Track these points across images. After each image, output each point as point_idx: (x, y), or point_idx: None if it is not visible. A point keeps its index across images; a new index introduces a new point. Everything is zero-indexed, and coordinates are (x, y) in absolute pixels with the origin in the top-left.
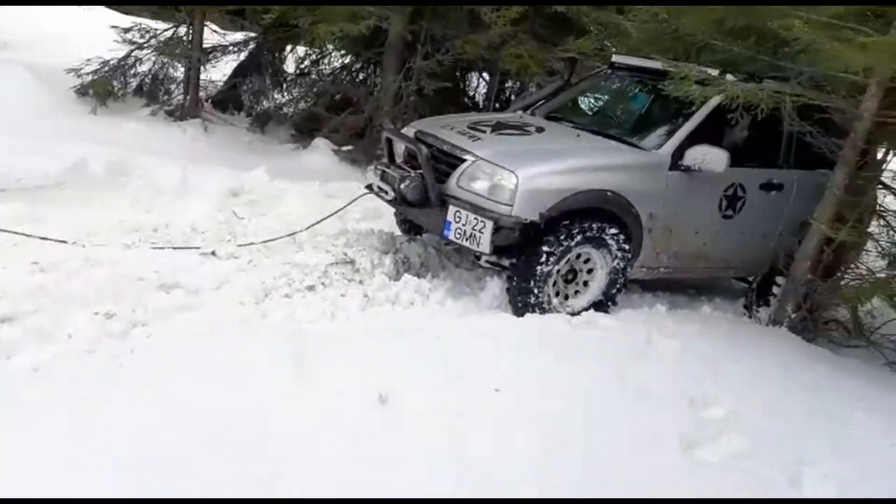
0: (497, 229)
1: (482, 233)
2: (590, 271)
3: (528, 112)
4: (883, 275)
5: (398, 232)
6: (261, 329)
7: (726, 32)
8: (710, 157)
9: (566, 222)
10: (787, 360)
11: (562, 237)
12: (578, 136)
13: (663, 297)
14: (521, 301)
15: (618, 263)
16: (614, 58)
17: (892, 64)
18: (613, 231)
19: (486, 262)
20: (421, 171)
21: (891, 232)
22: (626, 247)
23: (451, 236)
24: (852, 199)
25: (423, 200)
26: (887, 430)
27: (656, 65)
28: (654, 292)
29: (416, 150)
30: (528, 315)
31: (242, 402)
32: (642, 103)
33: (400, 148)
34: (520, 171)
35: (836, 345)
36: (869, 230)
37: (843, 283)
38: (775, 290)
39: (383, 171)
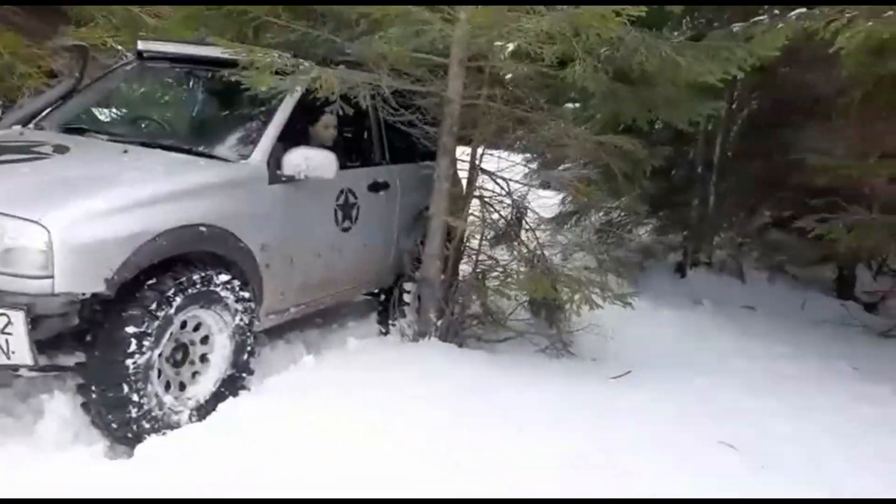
0: (34, 321)
1: (10, 334)
2: (206, 340)
3: (32, 126)
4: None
5: None
6: None
7: (290, 9)
8: (315, 161)
9: (153, 281)
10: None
11: (153, 306)
12: (126, 152)
13: (296, 340)
14: (116, 420)
15: (241, 319)
16: (141, 45)
17: (469, 40)
18: (224, 278)
19: (35, 371)
20: None
21: (496, 216)
22: (246, 294)
23: None
24: (460, 190)
25: None
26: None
27: (210, 51)
28: (282, 337)
29: None
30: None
31: None
32: (201, 102)
33: None
34: (49, 217)
35: (486, 342)
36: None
37: (478, 275)
38: (407, 297)
39: None
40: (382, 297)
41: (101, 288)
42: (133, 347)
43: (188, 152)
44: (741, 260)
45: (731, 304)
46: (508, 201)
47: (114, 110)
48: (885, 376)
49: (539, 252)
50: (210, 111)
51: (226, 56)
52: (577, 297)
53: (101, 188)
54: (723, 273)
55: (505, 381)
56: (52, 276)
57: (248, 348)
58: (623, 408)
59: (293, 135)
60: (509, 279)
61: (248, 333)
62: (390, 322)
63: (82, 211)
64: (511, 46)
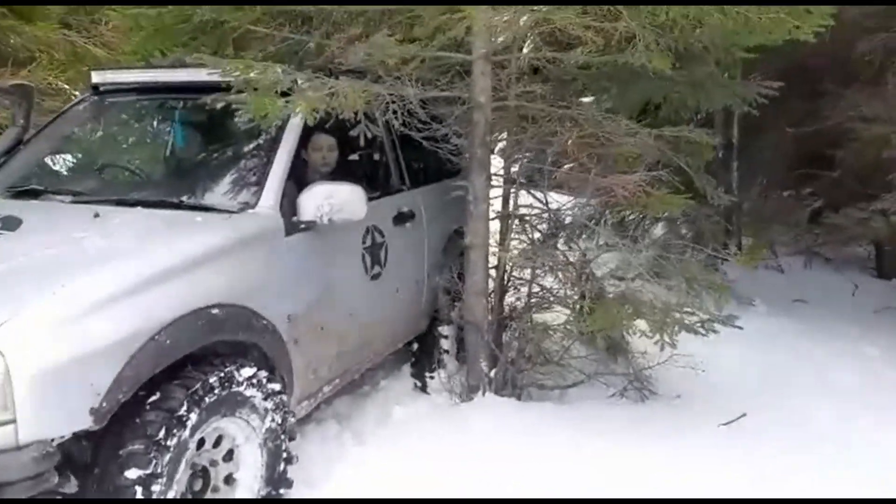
0: None
1: None
2: (230, 456)
3: None
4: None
5: None
6: None
7: (271, 14)
8: (340, 199)
9: (156, 397)
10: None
11: (160, 434)
12: (97, 216)
13: (327, 418)
14: None
15: (272, 420)
16: (96, 76)
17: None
18: (248, 373)
19: None
20: None
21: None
22: (276, 386)
23: None
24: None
25: None
26: None
27: (185, 75)
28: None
29: None
30: None
31: None
32: (181, 139)
33: None
34: (2, 332)
35: (550, 388)
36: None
37: (530, 309)
38: (444, 343)
39: None
40: (416, 345)
41: (85, 423)
42: (140, 494)
43: (177, 206)
44: (776, 248)
45: (780, 300)
46: (545, 216)
47: (72, 161)
48: None
49: (587, 272)
50: (194, 149)
51: (207, 79)
52: (668, 326)
53: (73, 277)
54: (758, 264)
55: (592, 452)
56: (12, 421)
57: (284, 454)
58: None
59: (302, 169)
60: (575, 314)
61: (283, 435)
62: (427, 375)
63: (50, 316)
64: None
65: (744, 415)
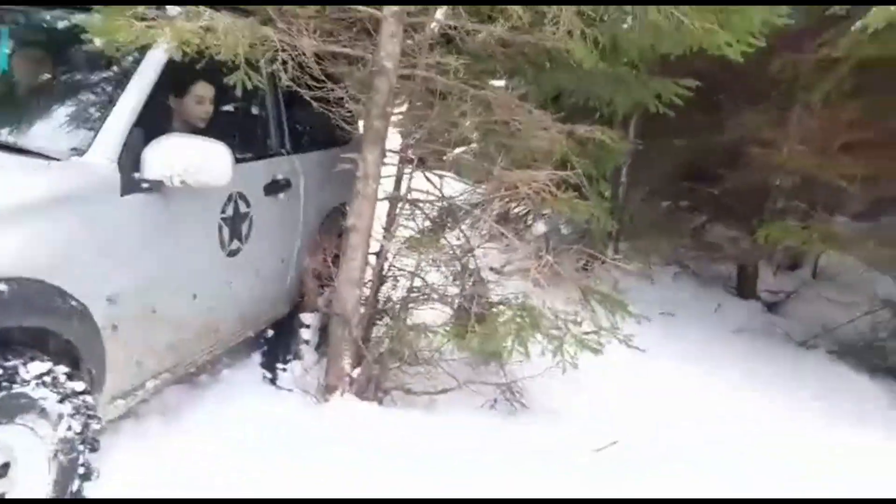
0: None
1: None
2: (3, 472)
3: None
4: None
5: None
6: None
7: None
8: (197, 157)
9: None
10: None
11: None
12: None
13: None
14: None
15: (68, 427)
16: None
17: None
18: (39, 369)
19: None
20: None
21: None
22: (77, 386)
23: None
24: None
25: None
26: None
27: None
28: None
29: None
30: None
31: None
32: (6, 63)
33: None
34: None
35: (417, 394)
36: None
37: (406, 305)
38: (305, 333)
39: None
40: (270, 332)
41: None
42: None
43: None
44: (649, 258)
45: (647, 310)
46: (437, 204)
47: None
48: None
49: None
50: (21, 78)
51: None
52: (568, 346)
53: None
54: (630, 273)
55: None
56: None
57: (81, 469)
58: None
59: (157, 117)
60: (456, 318)
61: (82, 446)
62: (279, 367)
63: None
64: None
65: (615, 442)
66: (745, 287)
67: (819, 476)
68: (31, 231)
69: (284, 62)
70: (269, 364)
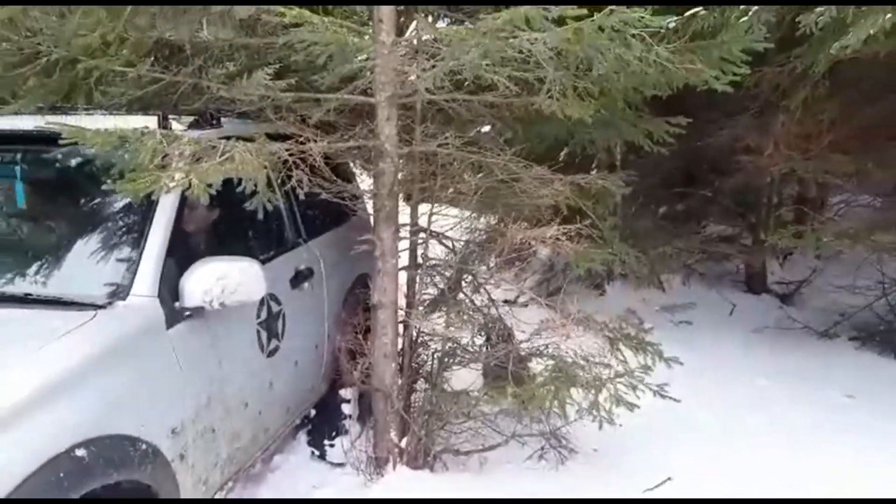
0: None
1: None
2: None
3: None
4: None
5: None
6: None
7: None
8: (234, 278)
9: None
10: None
11: None
12: None
13: None
14: None
15: None
16: None
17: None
18: None
19: None
20: None
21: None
22: None
23: None
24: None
25: None
26: None
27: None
28: None
29: None
30: None
31: None
32: (26, 204)
33: None
34: None
35: (467, 455)
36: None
37: (441, 370)
38: (346, 408)
39: None
40: (313, 412)
41: None
42: None
43: (20, 301)
44: (656, 266)
45: (664, 321)
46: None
47: None
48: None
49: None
50: (41, 216)
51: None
52: (603, 402)
53: None
54: (640, 282)
55: None
56: None
57: None
58: None
59: (185, 242)
60: (498, 386)
61: None
62: (326, 443)
63: None
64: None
65: (669, 479)
66: (755, 281)
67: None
68: (96, 388)
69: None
70: (316, 442)
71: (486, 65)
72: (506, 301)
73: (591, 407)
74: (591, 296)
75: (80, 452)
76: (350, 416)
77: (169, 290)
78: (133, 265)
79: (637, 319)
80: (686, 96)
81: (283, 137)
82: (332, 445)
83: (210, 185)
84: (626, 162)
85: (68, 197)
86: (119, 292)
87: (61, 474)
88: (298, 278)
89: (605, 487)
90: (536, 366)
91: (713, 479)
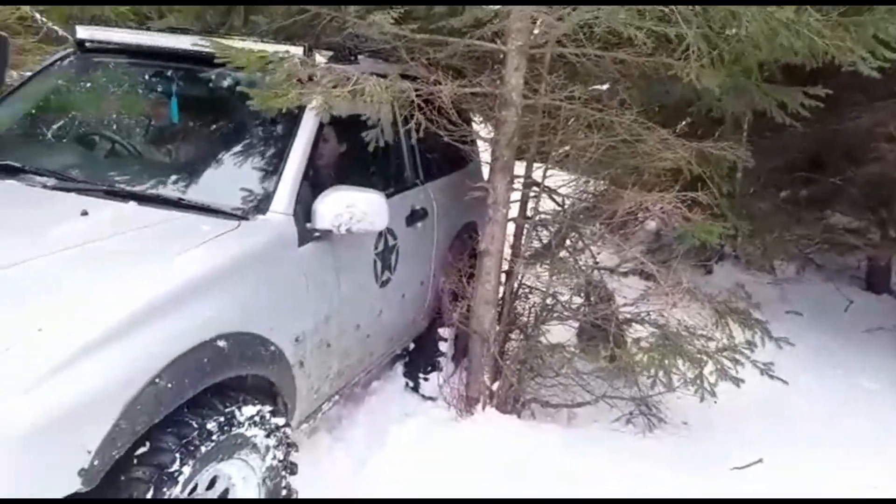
0: None
1: None
2: (224, 494)
3: None
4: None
5: None
6: None
7: None
8: (361, 208)
9: (144, 450)
10: None
11: (148, 492)
12: (86, 213)
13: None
14: None
15: (274, 457)
16: (83, 32)
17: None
18: (250, 412)
19: None
20: None
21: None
22: (280, 421)
23: None
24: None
25: None
26: None
27: (187, 43)
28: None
29: None
30: None
31: None
32: (181, 119)
33: None
34: None
35: (555, 408)
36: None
37: (542, 321)
38: (442, 346)
39: None
40: (412, 345)
41: (73, 487)
42: None
43: (177, 205)
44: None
45: (773, 309)
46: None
47: (55, 130)
48: None
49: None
50: (193, 130)
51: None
52: (708, 375)
53: (56, 313)
54: (750, 266)
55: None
56: None
57: (283, 492)
58: None
59: (318, 167)
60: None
61: (284, 470)
62: (421, 376)
63: (26, 367)
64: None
65: (760, 460)
66: (876, 280)
67: None
68: (240, 289)
69: (424, 115)
70: (411, 374)
71: (625, 14)
72: (605, 268)
73: (695, 378)
74: (696, 274)
75: (221, 343)
76: (445, 355)
77: (303, 210)
78: (273, 184)
79: (745, 294)
80: (827, 72)
81: (412, 79)
82: (426, 379)
83: (333, 109)
84: (751, 140)
85: (218, 115)
86: (260, 207)
87: (205, 359)
88: (414, 217)
89: (690, 459)
90: (635, 332)
91: (804, 471)
